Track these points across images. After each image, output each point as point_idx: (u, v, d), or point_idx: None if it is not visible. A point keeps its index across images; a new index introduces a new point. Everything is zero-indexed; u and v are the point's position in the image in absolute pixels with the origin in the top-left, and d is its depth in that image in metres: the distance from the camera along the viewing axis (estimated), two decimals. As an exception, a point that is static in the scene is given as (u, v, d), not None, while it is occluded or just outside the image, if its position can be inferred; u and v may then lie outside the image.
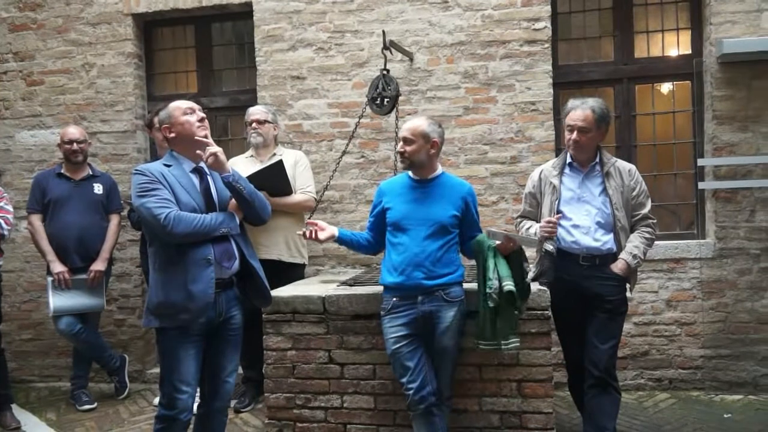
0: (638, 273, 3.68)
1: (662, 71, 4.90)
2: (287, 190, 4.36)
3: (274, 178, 4.24)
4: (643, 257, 3.42)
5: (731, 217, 4.59)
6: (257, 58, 5.18)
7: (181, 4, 5.27)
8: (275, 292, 3.64)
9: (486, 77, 4.85)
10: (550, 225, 3.35)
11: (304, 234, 3.31)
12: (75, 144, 4.74)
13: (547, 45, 4.78)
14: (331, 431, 3.56)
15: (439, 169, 3.30)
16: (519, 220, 3.73)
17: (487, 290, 3.08)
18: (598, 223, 3.40)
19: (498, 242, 3.13)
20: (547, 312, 3.34)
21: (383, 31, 4.53)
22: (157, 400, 3.12)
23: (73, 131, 4.80)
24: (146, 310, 3.01)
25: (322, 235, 3.30)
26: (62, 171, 4.80)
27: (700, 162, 4.65)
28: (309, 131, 5.11)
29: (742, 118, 4.55)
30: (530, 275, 3.56)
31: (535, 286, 3.40)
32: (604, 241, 3.39)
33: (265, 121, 4.56)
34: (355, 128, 4.76)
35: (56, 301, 4.62)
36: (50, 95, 5.47)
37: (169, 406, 2.97)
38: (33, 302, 5.51)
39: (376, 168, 5.02)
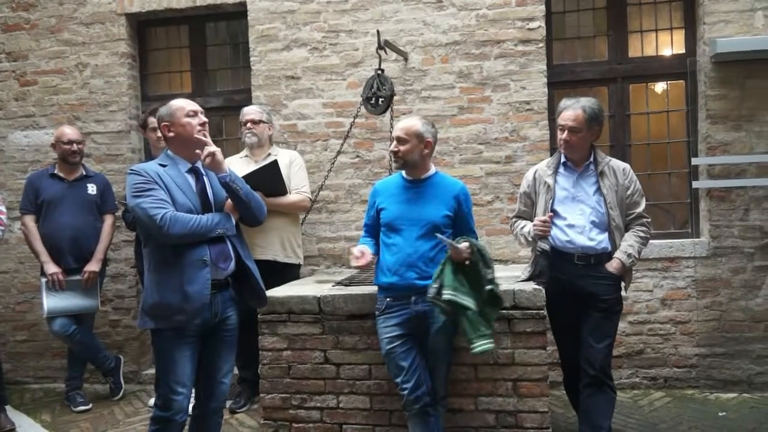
0: (633, 272, 3.69)
1: (656, 70, 4.91)
2: (282, 190, 4.36)
3: (269, 179, 4.24)
4: (637, 256, 3.43)
5: (725, 216, 4.60)
6: (252, 58, 5.17)
7: (174, 4, 5.25)
8: (271, 293, 3.63)
9: (480, 77, 4.85)
10: (543, 224, 3.36)
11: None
12: (74, 144, 4.72)
13: (541, 44, 4.78)
14: (327, 431, 3.56)
15: (432, 169, 3.30)
16: (514, 219, 3.73)
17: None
18: (592, 222, 3.40)
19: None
20: (542, 311, 3.34)
21: (378, 31, 4.53)
22: (152, 401, 3.12)
23: (71, 132, 4.77)
24: (141, 310, 3.01)
25: (368, 260, 3.19)
26: (55, 171, 4.78)
27: (694, 161, 4.67)
28: (304, 131, 5.11)
29: (735, 118, 4.57)
30: (525, 275, 3.58)
31: (530, 286, 3.40)
32: (598, 240, 3.40)
33: (260, 121, 4.55)
34: (350, 128, 4.77)
35: (50, 302, 4.60)
36: (43, 95, 5.44)
37: (164, 407, 2.96)
38: (27, 303, 5.48)
39: (371, 168, 5.01)
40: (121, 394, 5.01)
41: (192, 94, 5.33)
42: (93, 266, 4.72)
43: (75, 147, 4.73)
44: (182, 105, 3.02)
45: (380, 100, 4.47)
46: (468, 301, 3.00)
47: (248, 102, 5.07)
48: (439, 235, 3.04)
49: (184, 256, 2.89)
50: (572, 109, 3.38)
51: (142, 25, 5.55)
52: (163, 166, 3.01)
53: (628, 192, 3.44)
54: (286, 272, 4.45)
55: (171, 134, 3.02)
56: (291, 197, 4.44)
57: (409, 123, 3.23)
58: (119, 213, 4.95)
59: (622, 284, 3.51)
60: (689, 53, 4.80)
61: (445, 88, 4.90)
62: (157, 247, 2.94)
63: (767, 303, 4.57)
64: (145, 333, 5.20)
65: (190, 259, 2.89)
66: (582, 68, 4.96)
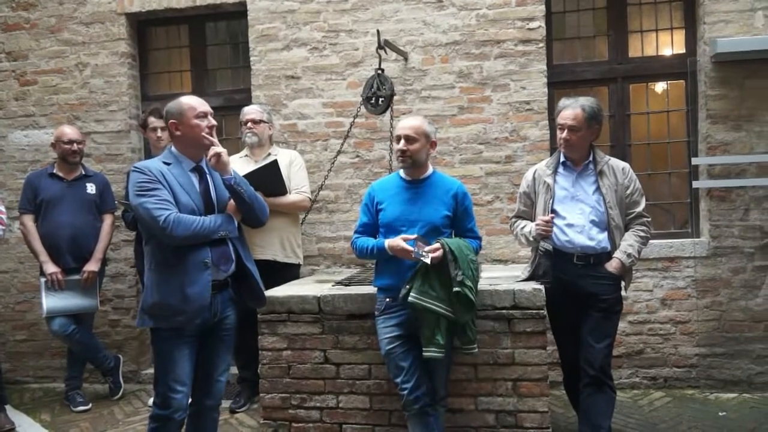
0: (633, 272, 3.69)
1: (656, 70, 4.91)
2: (282, 190, 4.35)
3: (269, 178, 4.24)
4: (637, 256, 3.43)
5: (725, 216, 4.60)
6: (251, 58, 5.17)
7: (174, 4, 5.25)
8: (270, 292, 3.64)
9: (480, 77, 4.85)
10: (546, 224, 3.36)
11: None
12: (74, 144, 4.72)
13: (541, 44, 4.78)
14: (327, 431, 3.56)
15: (430, 169, 3.29)
16: (514, 219, 3.73)
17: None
18: (592, 221, 3.40)
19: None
20: (542, 311, 3.34)
21: (378, 31, 4.53)
22: (151, 401, 3.12)
23: (71, 131, 4.77)
24: (140, 310, 3.00)
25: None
26: (54, 171, 4.77)
27: (695, 161, 4.66)
28: (304, 131, 5.11)
29: (735, 117, 4.56)
30: (524, 275, 3.57)
31: (529, 286, 3.40)
32: (598, 239, 3.39)
33: (261, 121, 4.55)
34: (350, 128, 4.77)
35: (49, 302, 4.60)
36: (43, 95, 5.44)
37: (163, 405, 2.96)
38: (27, 303, 5.48)
39: (371, 168, 5.01)
40: (120, 393, 5.00)
41: (192, 94, 5.31)
42: (92, 266, 4.72)
43: (75, 147, 4.73)
44: (193, 105, 2.98)
45: (380, 99, 4.47)
46: (435, 306, 3.01)
47: (248, 102, 5.07)
48: (413, 253, 2.98)
49: (185, 257, 2.88)
50: (571, 108, 3.38)
51: (142, 25, 5.55)
52: (167, 164, 2.98)
53: (628, 191, 3.44)
54: (286, 272, 4.45)
55: (178, 133, 2.99)
56: (291, 197, 4.44)
57: (416, 122, 3.20)
58: (119, 213, 4.94)
59: (622, 284, 3.50)
60: (689, 53, 4.80)
61: (445, 87, 4.89)
62: (158, 246, 2.93)
63: (767, 303, 4.57)
64: (145, 333, 5.20)
65: (192, 260, 2.89)
66: (582, 68, 4.96)
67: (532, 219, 3.57)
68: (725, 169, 4.59)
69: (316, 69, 5.07)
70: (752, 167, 4.55)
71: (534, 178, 3.58)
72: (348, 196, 5.06)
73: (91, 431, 4.35)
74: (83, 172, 4.84)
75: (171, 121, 2.99)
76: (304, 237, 4.93)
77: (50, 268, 4.61)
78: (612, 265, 3.39)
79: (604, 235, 3.40)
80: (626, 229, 3.46)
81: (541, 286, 3.39)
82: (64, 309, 4.63)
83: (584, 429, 3.42)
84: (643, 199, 3.49)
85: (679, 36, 4.89)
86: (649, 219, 3.50)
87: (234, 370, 4.63)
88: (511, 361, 3.36)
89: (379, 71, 4.49)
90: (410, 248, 2.98)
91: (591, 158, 3.46)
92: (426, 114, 4.68)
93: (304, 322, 3.58)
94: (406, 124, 3.19)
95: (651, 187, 4.74)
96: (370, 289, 3.48)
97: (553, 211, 3.44)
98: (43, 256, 4.64)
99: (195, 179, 3.03)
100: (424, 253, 2.97)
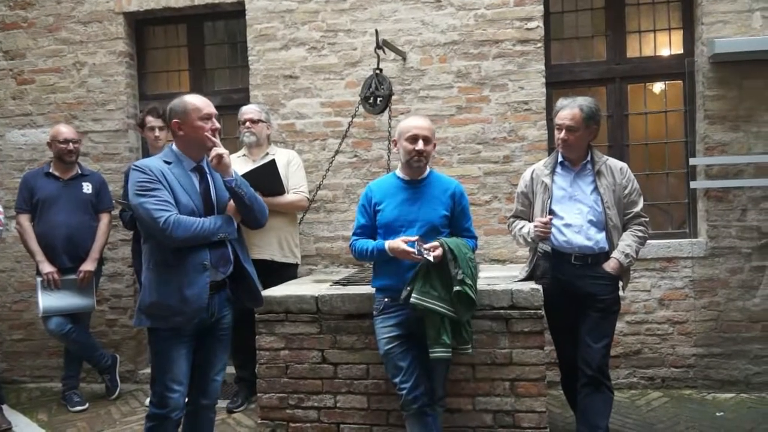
0: (631, 272, 3.69)
1: (654, 71, 4.92)
2: (280, 189, 4.35)
3: (267, 178, 4.23)
4: (635, 256, 3.43)
5: (723, 216, 4.61)
6: (250, 57, 5.16)
7: (173, 3, 5.24)
8: (268, 292, 3.63)
9: (479, 77, 4.85)
10: (544, 225, 3.36)
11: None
12: (70, 144, 4.71)
13: (539, 44, 4.78)
14: (324, 431, 3.56)
15: (428, 169, 3.29)
16: (511, 219, 3.73)
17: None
18: (590, 221, 3.40)
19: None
20: (540, 311, 3.34)
21: (376, 31, 4.53)
22: (148, 400, 3.12)
23: (67, 131, 4.76)
24: (138, 309, 3.00)
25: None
26: (50, 170, 4.77)
27: (692, 161, 4.67)
28: (302, 130, 5.10)
29: (733, 118, 4.57)
30: (522, 275, 3.58)
31: (527, 286, 3.40)
32: (596, 239, 3.39)
33: (259, 121, 4.55)
34: (348, 127, 4.77)
35: (45, 301, 4.59)
36: (41, 94, 5.43)
37: (160, 404, 2.96)
38: (24, 302, 5.47)
39: (369, 167, 5.01)
40: (117, 393, 4.99)
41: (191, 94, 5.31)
42: (88, 266, 4.71)
43: (71, 146, 4.72)
44: (198, 107, 2.95)
45: (378, 99, 4.47)
46: (437, 306, 3.01)
47: (246, 101, 5.06)
48: (414, 255, 2.98)
49: (184, 258, 2.87)
50: (569, 108, 3.38)
51: (140, 24, 5.54)
52: (168, 163, 2.96)
53: (626, 191, 3.44)
54: (284, 272, 4.45)
55: (181, 133, 2.97)
56: (289, 197, 4.43)
57: (429, 123, 3.22)
58: (116, 212, 4.93)
59: (620, 284, 3.50)
60: (687, 53, 4.80)
61: (444, 87, 4.89)
62: (157, 245, 2.92)
63: (764, 303, 4.57)
64: (142, 332, 5.19)
65: (191, 262, 2.88)
66: (580, 68, 4.97)
67: (529, 219, 3.57)
68: (723, 170, 4.59)
69: (314, 69, 5.06)
70: (750, 168, 4.56)
71: (532, 178, 3.58)
72: (346, 195, 5.05)
73: (88, 431, 4.35)
74: (79, 172, 4.83)
75: (174, 120, 2.96)
76: (302, 237, 4.93)
77: (46, 267, 4.60)
78: (610, 266, 3.39)
79: (602, 235, 3.40)
80: (624, 229, 3.46)
81: (539, 287, 3.39)
82: (60, 308, 4.62)
83: (582, 429, 3.42)
84: (641, 199, 3.49)
85: (677, 36, 4.89)
86: (647, 219, 3.50)
87: (231, 369, 4.63)
88: (508, 361, 3.36)
89: (378, 71, 4.49)
90: (411, 249, 2.98)
91: (589, 158, 3.46)
92: (424, 114, 4.67)
93: (301, 321, 3.58)
94: (423, 125, 3.18)
95: (649, 188, 4.74)
96: (368, 289, 3.47)
97: (551, 211, 3.44)
98: (39, 255, 4.63)
99: (195, 179, 3.01)
100: (425, 252, 2.97)
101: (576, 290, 3.41)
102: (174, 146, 3.04)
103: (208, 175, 3.07)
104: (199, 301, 2.88)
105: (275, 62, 5.11)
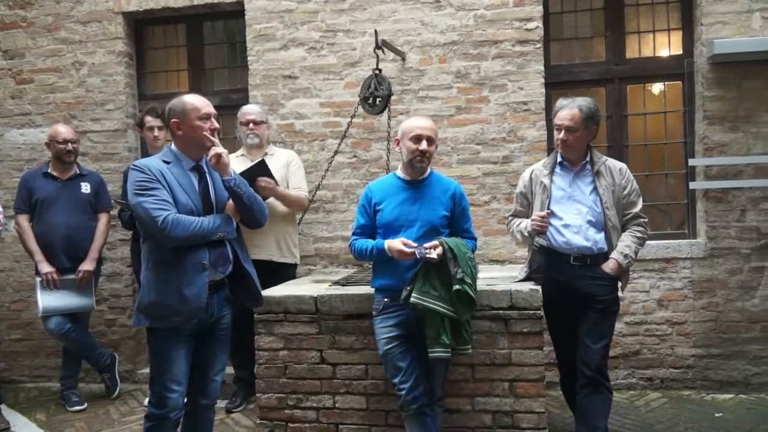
0: (630, 272, 3.69)
1: (653, 71, 4.92)
2: None
3: (259, 178, 4.20)
4: (634, 257, 3.43)
5: (722, 217, 4.61)
6: (249, 57, 5.16)
7: (172, 3, 5.24)
8: (267, 292, 3.63)
9: (478, 77, 4.85)
10: (542, 219, 3.36)
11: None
12: (69, 144, 4.70)
13: (539, 45, 4.78)
14: (323, 431, 3.55)
15: (428, 169, 3.29)
16: (510, 218, 3.73)
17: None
18: (589, 221, 3.39)
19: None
20: (539, 312, 3.34)
21: (375, 31, 4.53)
22: (147, 400, 3.12)
23: (65, 131, 4.76)
24: (137, 309, 2.99)
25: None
26: (49, 170, 4.76)
27: (692, 162, 4.67)
28: (301, 131, 5.10)
29: (732, 119, 4.57)
30: (522, 275, 3.58)
31: (526, 286, 3.40)
32: (595, 240, 3.39)
33: (261, 122, 4.54)
34: (348, 128, 4.77)
35: (45, 301, 4.59)
36: (40, 94, 5.43)
37: (159, 404, 2.95)
38: (23, 302, 5.46)
39: (369, 168, 5.01)
40: (117, 392, 4.99)
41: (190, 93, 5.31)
42: (87, 265, 4.70)
43: (70, 146, 4.71)
44: (197, 106, 2.95)
45: (377, 100, 4.47)
46: (437, 305, 3.01)
47: (245, 101, 5.06)
48: (417, 252, 2.99)
49: (183, 258, 2.87)
50: (569, 109, 3.37)
51: (139, 24, 5.54)
52: (167, 162, 2.96)
53: (625, 192, 3.44)
54: (283, 272, 4.44)
55: (180, 133, 2.97)
56: (295, 192, 4.44)
57: (432, 123, 3.22)
58: (114, 212, 4.93)
59: (619, 285, 3.50)
60: (686, 54, 4.80)
61: (443, 88, 4.89)
62: (156, 245, 2.92)
63: (764, 304, 4.57)
64: (141, 332, 5.19)
65: (190, 261, 2.88)
66: (579, 69, 4.97)
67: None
68: (722, 170, 4.59)
69: (313, 69, 5.06)
70: (749, 168, 4.56)
71: (531, 179, 3.57)
72: (345, 196, 5.05)
73: (86, 431, 4.34)
74: (78, 172, 4.83)
75: (173, 120, 2.96)
76: (301, 237, 4.92)
77: (45, 267, 4.59)
78: (609, 266, 3.38)
79: (601, 236, 3.40)
80: (623, 229, 3.46)
81: (539, 287, 3.39)
82: (59, 308, 4.62)
83: (581, 430, 3.41)
84: (640, 200, 3.49)
85: (677, 37, 4.89)
86: (646, 220, 3.50)
87: (230, 369, 4.63)
88: (508, 361, 3.36)
89: (377, 71, 4.49)
90: (409, 251, 2.98)
91: (588, 159, 3.46)
92: (424, 114, 4.67)
93: (300, 322, 3.57)
94: (427, 125, 3.18)
95: (648, 188, 4.74)
96: (367, 289, 3.47)
97: (550, 211, 3.44)
98: (38, 255, 4.62)
99: (194, 179, 3.01)
100: (425, 251, 2.97)
101: (575, 291, 3.41)
102: (173, 146, 3.04)
103: (207, 175, 3.06)
104: (197, 300, 2.88)
105: (274, 62, 5.11)
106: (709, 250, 4.62)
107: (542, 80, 4.79)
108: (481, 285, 3.34)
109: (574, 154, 3.44)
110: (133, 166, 2.93)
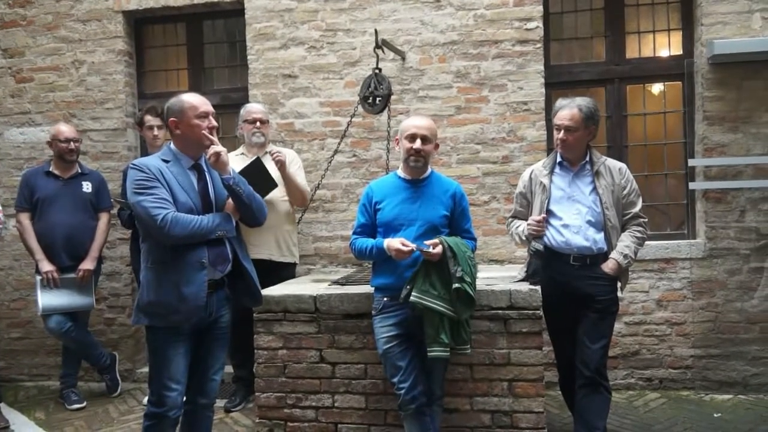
0: (629, 273, 3.69)
1: (653, 72, 4.92)
2: (272, 184, 4.30)
3: (257, 177, 4.18)
4: (634, 257, 3.43)
5: (721, 218, 4.61)
6: (249, 56, 5.16)
7: (172, 2, 5.24)
8: (266, 291, 3.63)
9: (478, 77, 4.85)
10: (537, 224, 3.36)
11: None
12: (71, 143, 4.71)
13: (539, 45, 4.78)
14: (322, 431, 3.56)
15: (429, 169, 3.29)
16: (510, 219, 3.73)
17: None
18: (588, 222, 3.39)
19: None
20: (538, 312, 3.34)
21: (375, 30, 4.53)
22: (146, 399, 3.12)
23: (67, 130, 4.76)
24: (136, 308, 2.99)
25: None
26: (50, 169, 4.76)
27: (691, 162, 4.67)
28: (301, 130, 5.10)
29: (732, 119, 4.57)
30: (521, 275, 3.58)
31: (526, 286, 3.40)
32: (594, 240, 3.39)
33: (267, 121, 4.55)
34: (347, 127, 4.76)
35: (45, 299, 4.59)
36: (40, 92, 5.43)
37: (158, 403, 2.96)
38: (22, 300, 5.47)
39: (368, 167, 5.01)
40: (118, 391, 5.00)
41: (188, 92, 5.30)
42: (87, 264, 4.71)
43: (72, 145, 4.72)
44: (195, 105, 2.96)
45: (377, 99, 4.46)
46: (437, 304, 3.01)
47: (245, 100, 5.05)
48: (416, 247, 3.00)
49: (182, 256, 2.87)
50: (568, 109, 3.37)
51: (139, 23, 5.54)
52: (166, 161, 2.96)
53: (625, 192, 3.44)
54: (282, 271, 4.44)
55: (178, 131, 2.97)
56: (302, 181, 4.52)
57: (430, 122, 3.21)
58: (114, 211, 4.93)
59: (618, 285, 3.50)
60: (686, 54, 4.80)
61: (443, 87, 4.89)
62: (155, 244, 2.92)
63: (763, 304, 4.57)
64: (140, 331, 5.19)
65: (189, 260, 2.88)
66: (579, 69, 4.97)
67: (528, 220, 3.57)
68: (722, 171, 4.59)
69: (313, 68, 5.06)
70: (749, 169, 4.56)
71: (530, 179, 3.58)
72: (345, 195, 5.05)
73: (85, 429, 4.34)
74: (79, 170, 4.83)
75: (171, 119, 2.97)
76: (300, 236, 4.93)
77: (45, 266, 4.60)
78: (608, 266, 3.38)
79: (600, 236, 3.40)
80: (623, 230, 3.46)
81: (538, 287, 3.39)
82: (59, 307, 4.63)
83: (579, 430, 3.41)
84: (640, 200, 3.49)
85: (677, 37, 4.89)
86: (646, 220, 3.50)
87: (229, 369, 4.63)
88: (507, 361, 3.36)
89: (377, 71, 4.48)
90: (407, 249, 2.98)
91: (588, 159, 3.46)
92: (423, 114, 4.67)
93: (299, 321, 3.57)
94: (422, 124, 3.18)
95: (647, 189, 4.74)
96: (367, 289, 3.47)
97: (549, 211, 3.44)
98: (39, 254, 4.63)
99: (194, 178, 3.01)
100: (425, 246, 2.98)
101: (574, 291, 3.41)
102: (172, 145, 3.04)
103: (206, 174, 3.06)
104: (196, 299, 2.88)
105: (274, 61, 5.11)
106: (708, 251, 4.63)
107: (542, 80, 4.79)
108: (480, 285, 3.34)
109: (573, 154, 3.44)
110: (132, 165, 2.93)
